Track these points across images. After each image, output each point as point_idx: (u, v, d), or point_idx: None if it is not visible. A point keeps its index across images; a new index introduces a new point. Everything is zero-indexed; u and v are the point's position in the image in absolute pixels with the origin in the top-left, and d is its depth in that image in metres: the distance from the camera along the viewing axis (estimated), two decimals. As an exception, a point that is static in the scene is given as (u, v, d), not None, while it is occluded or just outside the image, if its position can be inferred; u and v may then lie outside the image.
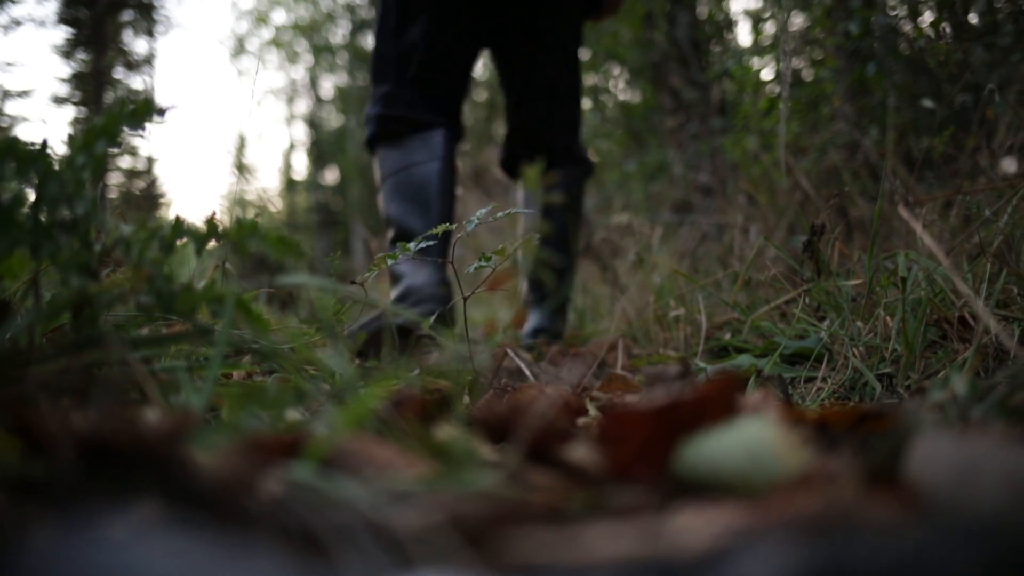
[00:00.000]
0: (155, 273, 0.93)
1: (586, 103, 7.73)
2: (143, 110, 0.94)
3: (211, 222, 0.94)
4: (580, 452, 0.70)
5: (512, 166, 2.82)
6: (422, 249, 2.01)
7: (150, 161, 17.43)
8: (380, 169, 2.56)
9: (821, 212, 2.24)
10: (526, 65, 2.66)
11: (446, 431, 0.75)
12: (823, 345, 1.68)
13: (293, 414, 0.89)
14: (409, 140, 2.48)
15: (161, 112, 0.98)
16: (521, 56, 2.66)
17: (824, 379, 1.58)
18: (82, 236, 0.94)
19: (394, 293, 2.35)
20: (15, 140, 0.86)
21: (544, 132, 2.66)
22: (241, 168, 17.25)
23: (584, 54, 6.90)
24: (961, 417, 0.81)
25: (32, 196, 0.91)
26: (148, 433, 0.54)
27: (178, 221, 0.94)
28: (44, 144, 0.88)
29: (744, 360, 1.67)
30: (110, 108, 0.94)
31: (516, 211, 1.54)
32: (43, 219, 0.91)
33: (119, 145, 0.98)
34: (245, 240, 0.98)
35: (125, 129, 0.96)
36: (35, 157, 0.87)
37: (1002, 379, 0.88)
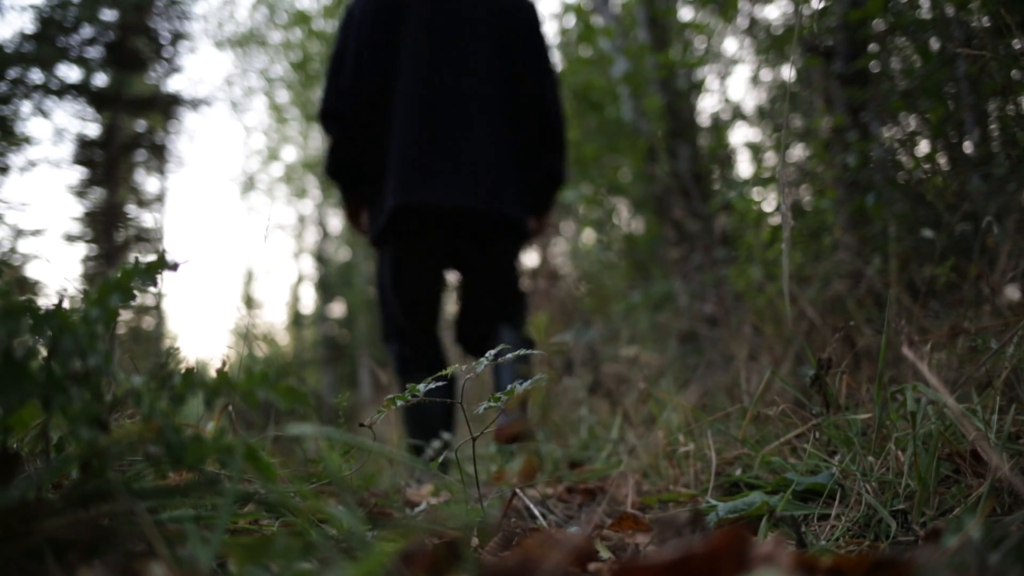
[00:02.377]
0: (165, 424, 0.94)
1: (590, 236, 7.82)
2: (156, 266, 0.96)
3: (222, 374, 0.95)
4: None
5: (469, 345, 3.47)
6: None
7: (159, 297, 17.61)
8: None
9: (828, 343, 2.24)
10: (479, 278, 3.39)
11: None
12: (835, 481, 1.66)
13: (302, 566, 0.88)
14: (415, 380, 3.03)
15: (174, 267, 1.00)
16: (474, 274, 3.39)
17: (838, 516, 1.56)
18: (93, 388, 0.94)
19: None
20: (31, 301, 0.87)
21: (492, 318, 3.27)
22: (249, 302, 17.36)
23: (587, 188, 7.04)
24: (978, 565, 0.80)
25: (45, 349, 0.92)
26: None
27: (189, 373, 0.95)
28: (59, 304, 0.89)
29: (756, 497, 1.65)
30: (124, 264, 0.96)
31: (529, 351, 1.55)
32: (55, 371, 0.92)
33: (132, 299, 1.00)
34: (254, 391, 0.99)
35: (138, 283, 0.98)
36: (49, 317, 0.89)
37: (1018, 521, 0.87)
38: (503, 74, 3.25)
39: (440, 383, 1.48)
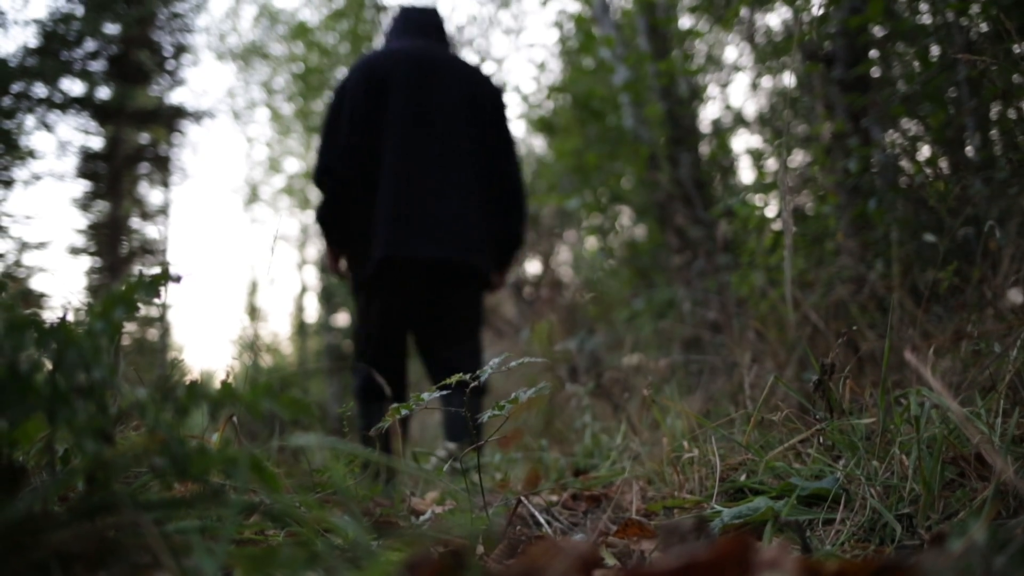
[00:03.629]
0: (169, 436, 0.94)
1: (593, 244, 7.82)
2: (159, 279, 0.97)
3: (226, 386, 0.96)
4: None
5: (433, 368, 3.91)
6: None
7: (163, 309, 17.61)
8: (357, 418, 3.74)
9: (831, 347, 2.24)
10: (447, 316, 3.85)
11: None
12: (840, 486, 1.66)
13: (308, 575, 0.88)
14: (373, 406, 3.72)
15: (177, 279, 1.00)
16: (443, 312, 3.85)
17: (843, 521, 1.56)
18: (98, 401, 0.95)
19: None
20: (35, 315, 0.88)
21: (455, 368, 3.40)
22: (253, 313, 17.37)
23: (590, 196, 7.05)
24: (983, 569, 0.80)
25: (50, 362, 0.92)
26: None
27: (193, 386, 0.95)
28: (63, 318, 0.90)
29: (760, 503, 1.65)
30: (128, 277, 0.97)
31: (529, 360, 1.55)
32: (60, 384, 0.92)
33: (136, 312, 1.00)
34: (258, 402, 0.99)
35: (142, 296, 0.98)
36: (54, 330, 0.89)
37: (1023, 524, 0.87)
38: (473, 146, 3.76)
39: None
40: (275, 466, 1.22)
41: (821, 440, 1.86)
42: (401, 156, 3.60)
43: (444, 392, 1.66)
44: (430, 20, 3.93)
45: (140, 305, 1.01)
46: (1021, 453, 1.49)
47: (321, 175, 3.68)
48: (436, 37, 3.90)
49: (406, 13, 3.94)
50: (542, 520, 1.78)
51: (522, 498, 1.81)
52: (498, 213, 3.85)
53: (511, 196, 3.88)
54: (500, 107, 3.90)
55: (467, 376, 1.61)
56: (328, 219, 3.74)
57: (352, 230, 3.72)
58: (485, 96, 3.83)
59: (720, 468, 2.00)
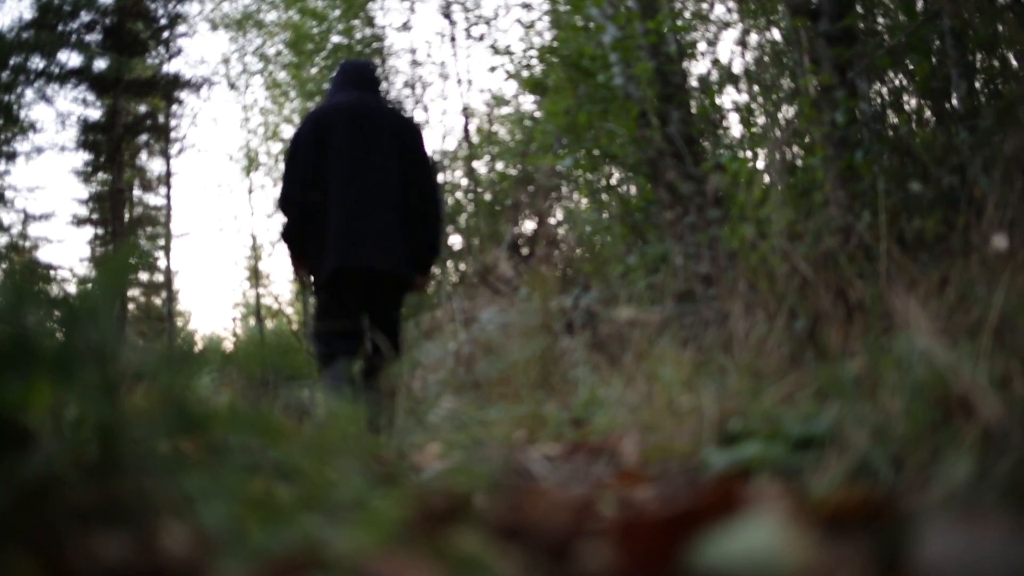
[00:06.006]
0: (176, 395, 0.96)
1: (585, 201, 7.82)
2: (158, 245, 0.99)
3: (232, 351, 0.98)
4: (592, 557, 0.73)
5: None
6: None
7: (168, 274, 17.58)
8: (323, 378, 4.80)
9: (821, 297, 2.27)
10: (379, 312, 4.87)
11: (463, 539, 0.77)
12: (829, 429, 1.69)
13: (312, 525, 0.90)
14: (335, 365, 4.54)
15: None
16: (376, 309, 4.86)
17: (832, 464, 1.59)
18: (105, 362, 0.97)
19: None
20: (41, 279, 0.90)
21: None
22: (256, 276, 17.40)
23: (581, 155, 7.05)
24: (967, 503, 0.82)
25: (56, 326, 0.94)
26: (169, 563, 0.56)
27: (198, 353, 0.98)
28: (69, 281, 0.92)
29: (751, 449, 1.68)
30: (129, 242, 0.99)
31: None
32: (68, 347, 0.94)
33: (138, 273, 1.03)
34: (252, 362, 1.01)
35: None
36: (60, 299, 0.91)
37: (1006, 463, 0.90)
38: (400, 176, 4.78)
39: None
40: (281, 423, 1.25)
41: (811, 385, 1.89)
42: (344, 187, 4.65)
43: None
44: (364, 74, 5.07)
45: (140, 268, 1.03)
46: (1004, 394, 1.52)
47: (284, 203, 4.83)
48: (370, 89, 5.01)
49: (345, 68, 5.10)
50: (540, 472, 1.82)
51: (521, 450, 1.84)
52: (419, 227, 4.91)
53: (430, 214, 4.97)
54: (419, 142, 5.00)
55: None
56: (291, 237, 4.89)
57: (309, 245, 4.76)
58: (407, 134, 4.92)
59: (713, 415, 2.04)
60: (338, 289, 4.79)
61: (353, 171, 4.71)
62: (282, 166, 5.28)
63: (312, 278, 4.92)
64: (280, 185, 4.90)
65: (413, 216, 4.88)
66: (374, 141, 4.77)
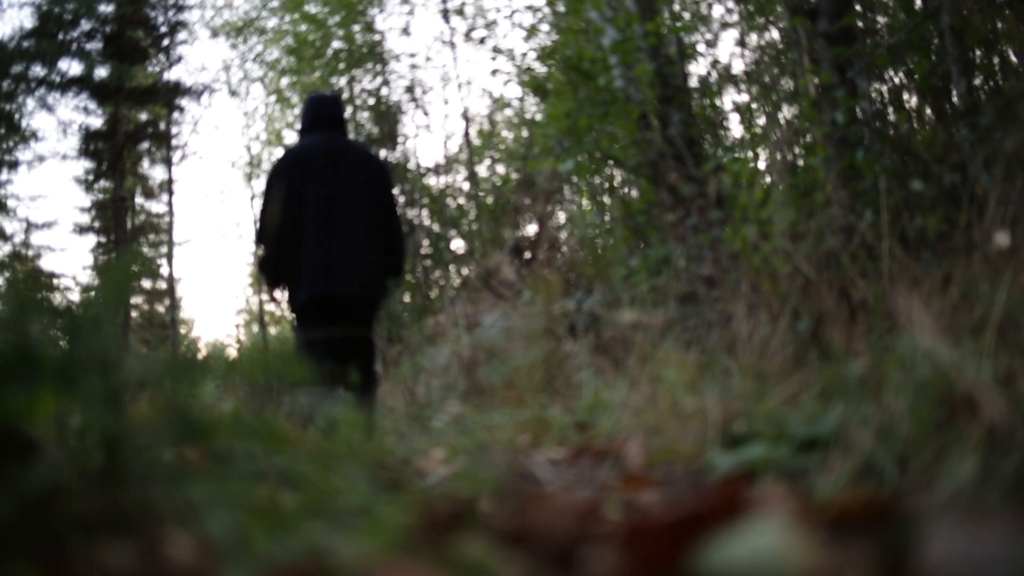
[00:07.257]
0: (181, 404, 0.96)
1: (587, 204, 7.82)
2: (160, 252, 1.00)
3: (237, 359, 0.98)
4: (597, 562, 0.73)
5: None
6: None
7: (171, 282, 17.56)
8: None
9: (824, 296, 2.27)
10: (353, 330, 5.03)
11: (468, 544, 0.77)
12: (834, 430, 1.69)
13: (317, 533, 0.90)
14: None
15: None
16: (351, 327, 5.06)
17: (837, 464, 1.59)
18: (109, 371, 0.97)
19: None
20: (44, 287, 0.90)
21: (356, 351, 5.13)
22: (259, 283, 17.36)
23: (583, 158, 7.05)
24: (972, 503, 0.82)
25: (60, 335, 0.94)
26: (174, 572, 0.56)
27: (202, 361, 0.98)
28: (72, 290, 0.92)
29: (756, 450, 1.68)
30: (132, 250, 0.99)
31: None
32: (71, 356, 0.94)
33: (140, 281, 1.03)
34: (256, 369, 1.01)
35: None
36: (63, 308, 0.91)
37: (1011, 461, 0.89)
38: (367, 208, 5.13)
39: None
40: (285, 430, 1.25)
41: (815, 386, 1.89)
42: (317, 221, 5.02)
43: None
44: (333, 113, 5.42)
45: (143, 276, 1.03)
46: (1008, 392, 1.52)
47: (261, 237, 5.14)
48: (339, 128, 5.41)
49: (315, 106, 5.43)
50: (545, 476, 1.82)
51: (526, 454, 1.84)
52: (384, 254, 5.30)
53: (393, 242, 5.37)
54: (386, 177, 5.42)
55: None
56: (268, 268, 5.22)
57: (286, 274, 5.14)
58: (373, 170, 5.32)
59: (717, 418, 2.03)
60: (313, 314, 5.20)
61: (326, 208, 5.12)
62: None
63: (289, 302, 5.34)
64: (258, 221, 5.30)
65: (379, 245, 5.30)
66: (345, 180, 5.18)
